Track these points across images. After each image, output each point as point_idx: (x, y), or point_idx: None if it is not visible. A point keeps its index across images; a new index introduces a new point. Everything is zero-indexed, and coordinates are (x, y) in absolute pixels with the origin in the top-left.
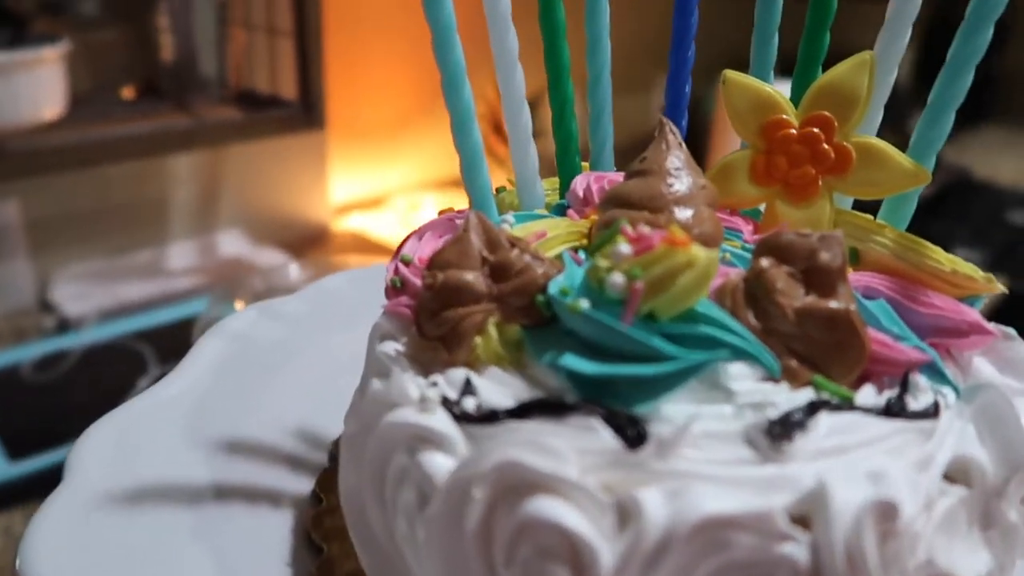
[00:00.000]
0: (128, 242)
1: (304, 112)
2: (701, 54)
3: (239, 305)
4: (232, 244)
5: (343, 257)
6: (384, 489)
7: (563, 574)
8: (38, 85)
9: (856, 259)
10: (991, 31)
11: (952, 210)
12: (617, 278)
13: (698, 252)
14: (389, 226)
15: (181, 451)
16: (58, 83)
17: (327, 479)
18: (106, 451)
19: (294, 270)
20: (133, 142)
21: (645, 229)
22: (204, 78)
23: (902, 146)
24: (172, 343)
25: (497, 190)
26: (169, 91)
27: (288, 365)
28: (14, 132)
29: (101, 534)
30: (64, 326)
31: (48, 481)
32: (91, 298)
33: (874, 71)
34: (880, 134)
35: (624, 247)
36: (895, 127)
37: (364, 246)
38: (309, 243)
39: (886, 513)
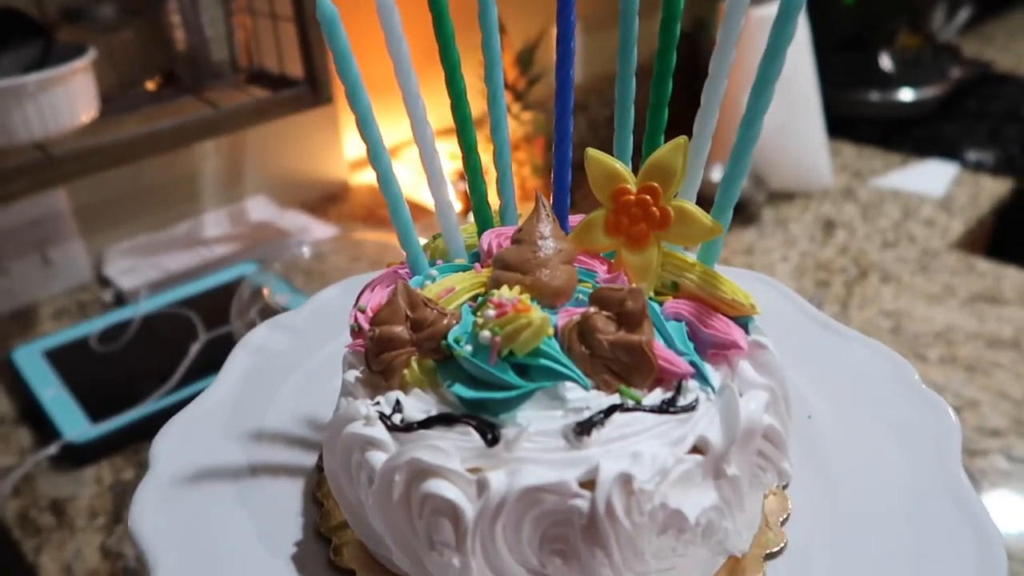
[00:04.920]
0: (167, 217)
1: (311, 90)
2: None
3: (266, 290)
4: (260, 209)
5: (363, 212)
6: (350, 471)
7: (447, 523)
8: (73, 95)
9: (676, 288)
10: (761, 123)
11: (970, 109)
12: (485, 333)
13: (534, 315)
14: (403, 175)
15: (223, 442)
16: (90, 89)
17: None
18: (174, 445)
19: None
20: (162, 137)
21: (505, 296)
22: (217, 63)
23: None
24: (215, 308)
25: (433, 237)
26: (186, 77)
27: (296, 369)
28: (58, 138)
29: (176, 502)
30: (120, 298)
31: (124, 437)
32: (141, 271)
33: (687, 152)
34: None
35: (491, 311)
36: (916, 27)
37: (381, 198)
38: (330, 201)
39: (625, 480)
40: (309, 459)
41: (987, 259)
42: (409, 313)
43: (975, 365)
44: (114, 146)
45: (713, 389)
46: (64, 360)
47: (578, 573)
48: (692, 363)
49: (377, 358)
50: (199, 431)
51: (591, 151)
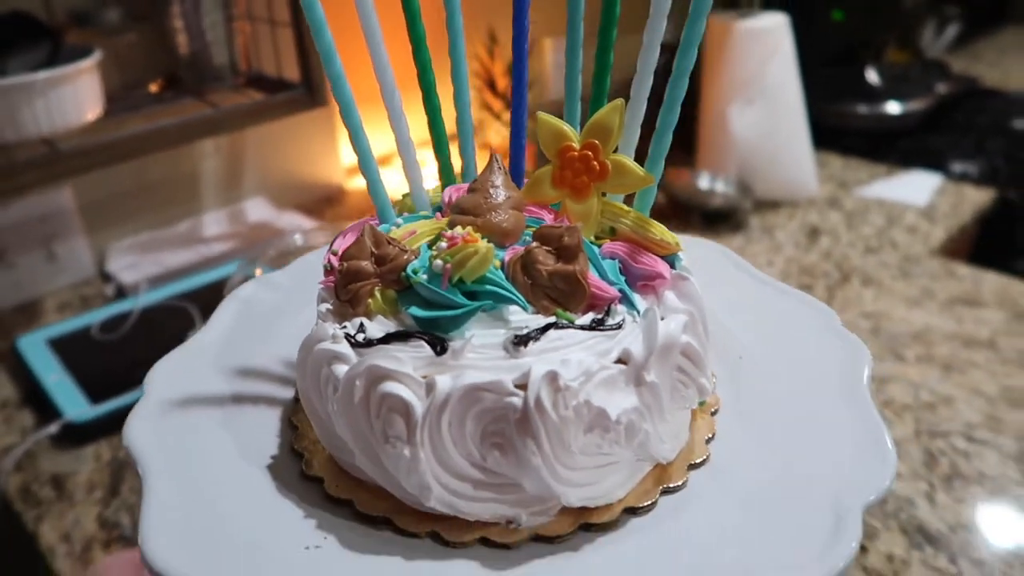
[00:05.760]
0: (168, 216)
1: (308, 93)
2: None
3: (258, 271)
4: (258, 211)
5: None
6: (319, 386)
7: (400, 419)
8: (79, 93)
9: (613, 233)
10: (687, 81)
11: (956, 122)
12: (438, 262)
13: (480, 245)
14: (394, 181)
15: (211, 376)
16: (95, 88)
17: None
18: (167, 376)
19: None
20: (164, 134)
21: (457, 232)
22: (218, 67)
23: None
24: (212, 300)
25: (403, 196)
26: (188, 81)
27: (279, 319)
28: (65, 134)
29: (166, 422)
30: (122, 292)
31: (123, 417)
32: (142, 267)
33: (623, 112)
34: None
35: (443, 243)
36: (905, 43)
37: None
38: (326, 203)
39: (553, 377)
40: (287, 393)
41: (967, 264)
42: (374, 250)
43: (951, 364)
44: (118, 142)
45: (639, 312)
46: (67, 348)
47: (514, 464)
48: (621, 291)
49: (345, 288)
50: (189, 366)
51: (541, 114)
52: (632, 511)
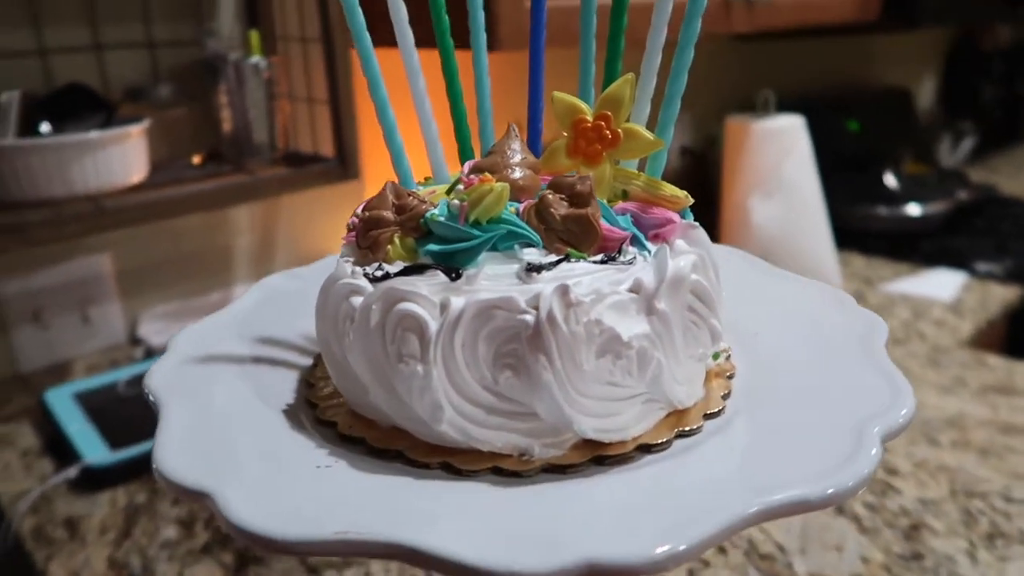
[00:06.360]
0: (200, 286)
1: (341, 166)
2: (711, 98)
3: None
4: None
5: None
6: (336, 324)
7: (414, 338)
8: (127, 156)
9: (626, 195)
10: (692, 51)
11: (977, 227)
12: (456, 201)
13: (496, 185)
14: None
15: (233, 342)
16: (142, 153)
17: (319, 357)
18: (191, 339)
19: None
20: (202, 198)
21: (474, 178)
22: (257, 143)
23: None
24: None
25: (425, 179)
26: (230, 156)
27: (301, 304)
28: (110, 193)
29: (188, 376)
30: (151, 355)
31: (142, 464)
32: (172, 332)
33: (634, 85)
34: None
35: (460, 186)
36: (922, 157)
37: None
38: None
39: (564, 291)
40: (306, 360)
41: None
42: (395, 201)
43: (989, 449)
44: (158, 202)
45: (650, 253)
46: (92, 401)
47: (526, 385)
48: (633, 236)
49: (366, 235)
50: (213, 334)
51: (557, 93)
52: (646, 448)
